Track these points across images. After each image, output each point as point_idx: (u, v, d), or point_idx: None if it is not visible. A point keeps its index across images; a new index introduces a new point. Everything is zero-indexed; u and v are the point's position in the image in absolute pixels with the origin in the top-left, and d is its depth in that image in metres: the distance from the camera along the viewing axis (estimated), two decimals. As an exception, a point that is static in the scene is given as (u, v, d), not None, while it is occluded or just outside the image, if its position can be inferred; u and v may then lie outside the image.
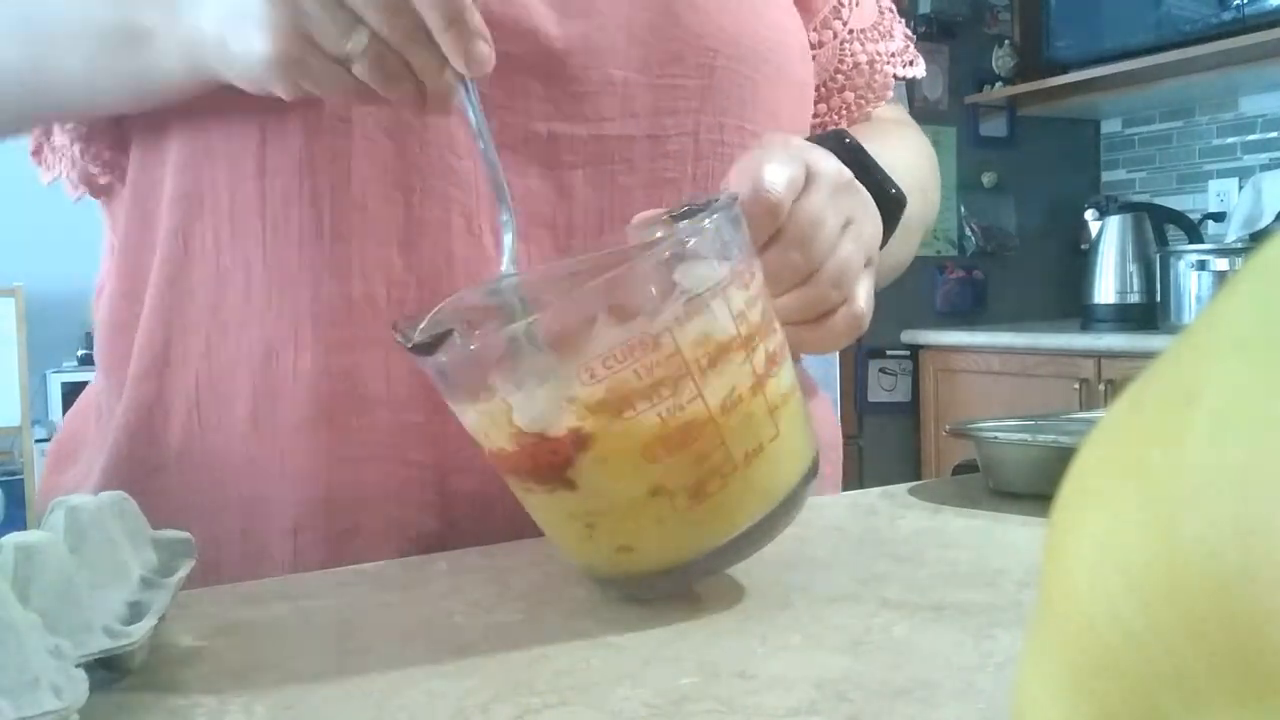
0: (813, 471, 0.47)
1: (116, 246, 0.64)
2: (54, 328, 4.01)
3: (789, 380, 0.46)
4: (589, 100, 0.59)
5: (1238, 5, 2.49)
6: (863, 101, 0.76)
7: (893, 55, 0.78)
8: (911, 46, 0.81)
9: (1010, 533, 0.57)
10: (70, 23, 0.55)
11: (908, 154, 0.72)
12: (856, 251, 0.55)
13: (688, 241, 0.42)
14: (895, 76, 0.78)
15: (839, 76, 0.76)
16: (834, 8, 0.75)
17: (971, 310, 3.06)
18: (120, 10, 0.54)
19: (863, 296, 0.55)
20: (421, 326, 0.44)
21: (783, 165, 0.51)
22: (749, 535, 0.45)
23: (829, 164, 0.54)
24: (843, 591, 0.47)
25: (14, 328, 3.34)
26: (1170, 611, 0.16)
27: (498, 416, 0.42)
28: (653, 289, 0.41)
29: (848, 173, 0.56)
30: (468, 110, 0.51)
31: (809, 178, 0.53)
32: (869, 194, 0.58)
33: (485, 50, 0.49)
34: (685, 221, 0.45)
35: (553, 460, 0.42)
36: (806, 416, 0.48)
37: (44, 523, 0.42)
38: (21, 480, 3.53)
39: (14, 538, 0.37)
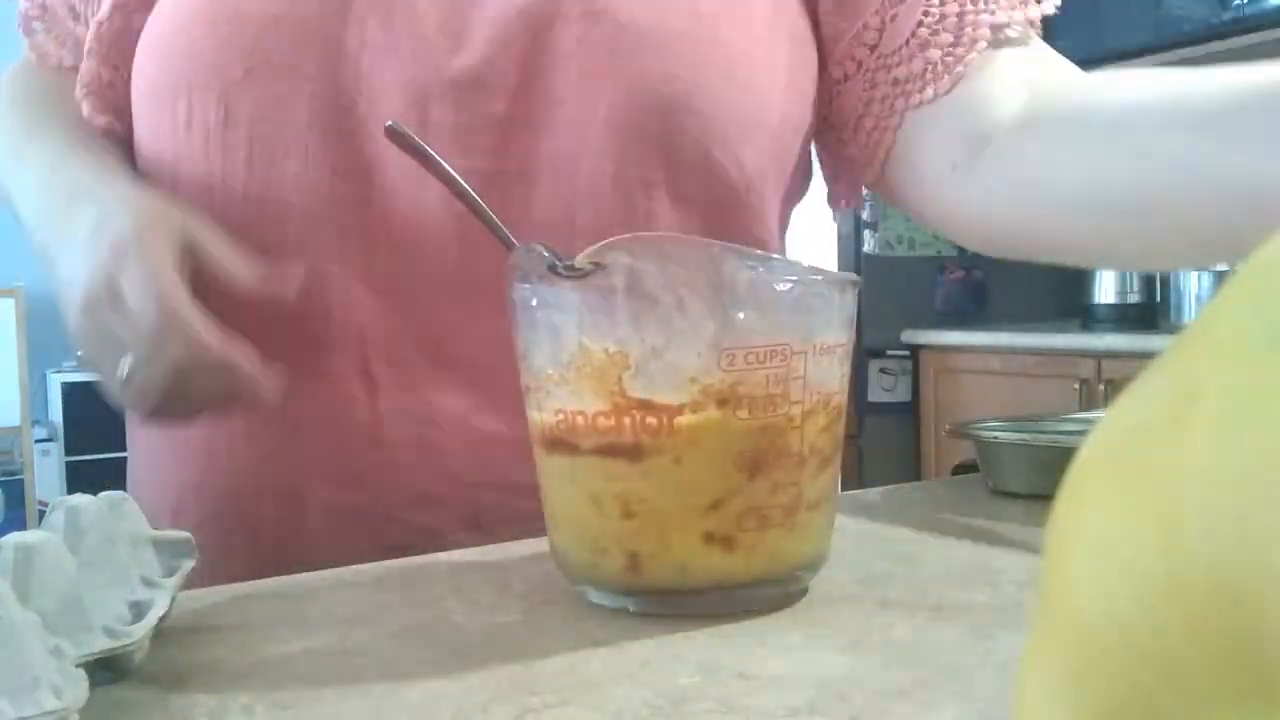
0: (822, 561, 0.48)
1: None
2: (54, 328, 3.99)
3: (839, 471, 0.48)
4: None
5: (1238, 5, 2.48)
6: (950, 58, 0.67)
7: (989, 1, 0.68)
8: None
9: (1010, 533, 0.57)
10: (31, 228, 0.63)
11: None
12: None
13: (848, 291, 0.45)
14: (998, 23, 0.68)
15: (910, 44, 0.67)
16: None
17: (971, 310, 3.06)
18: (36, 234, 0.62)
19: None
20: (583, 256, 0.43)
21: None
22: (768, 583, 0.45)
23: None
24: (843, 591, 0.47)
25: (14, 328, 3.34)
26: (1170, 611, 0.16)
27: (607, 372, 0.42)
28: (813, 311, 0.44)
29: None
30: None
31: None
32: None
33: (256, 383, 0.54)
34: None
35: (644, 430, 0.42)
36: (835, 512, 0.49)
37: (44, 523, 0.42)
38: (21, 480, 3.53)
39: (14, 538, 0.37)
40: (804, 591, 0.47)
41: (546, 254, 0.44)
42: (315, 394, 0.60)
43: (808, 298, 0.45)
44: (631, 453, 0.43)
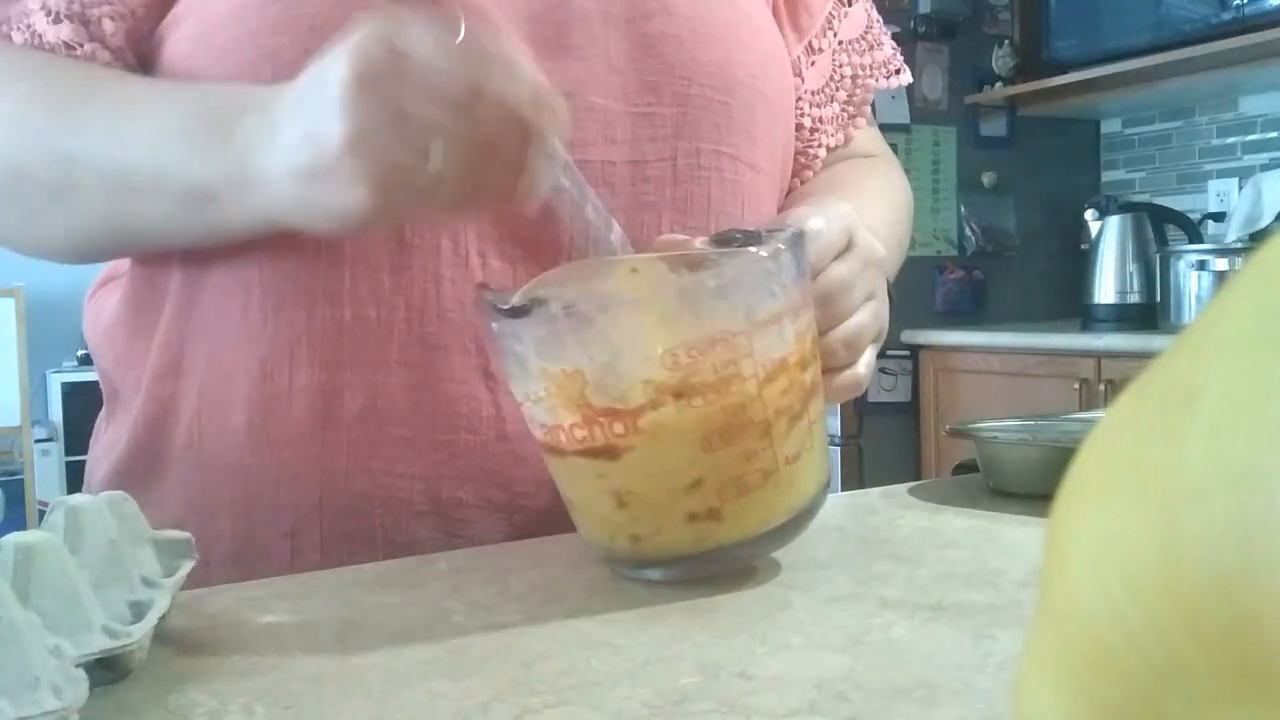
0: (827, 485, 0.51)
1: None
2: (54, 328, 4.01)
3: (823, 403, 0.51)
4: (572, 127, 0.60)
5: (1238, 5, 2.48)
6: (849, 111, 0.79)
7: (877, 66, 0.80)
8: (898, 55, 0.83)
9: (1010, 533, 0.57)
10: (148, 180, 0.56)
11: (889, 210, 0.74)
12: (871, 324, 0.59)
13: (780, 256, 0.46)
14: (875, 89, 0.80)
15: (830, 86, 0.78)
16: (827, 20, 0.77)
17: (971, 310, 3.06)
18: (190, 170, 0.54)
19: (865, 363, 0.60)
20: (520, 294, 0.45)
21: (829, 226, 0.56)
22: (769, 536, 0.48)
23: (868, 238, 0.59)
24: (843, 591, 0.47)
25: (14, 328, 3.34)
26: (1169, 611, 0.16)
27: (569, 388, 0.45)
28: (744, 292, 0.45)
29: (881, 251, 0.60)
30: (564, 183, 0.51)
31: (848, 245, 0.58)
32: None
33: (565, 110, 0.50)
34: (761, 245, 0.48)
35: (612, 435, 0.45)
36: (827, 437, 0.52)
37: (44, 523, 0.42)
38: (21, 480, 3.53)
39: (14, 538, 0.37)
40: (792, 543, 0.50)
41: (488, 296, 0.46)
42: (439, 397, 0.59)
43: (738, 280, 0.45)
44: (608, 453, 0.46)
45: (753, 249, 0.47)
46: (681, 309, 0.45)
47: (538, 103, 0.48)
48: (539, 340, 0.45)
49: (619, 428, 0.45)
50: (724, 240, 0.50)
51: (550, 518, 0.61)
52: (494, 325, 0.47)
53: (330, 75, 0.47)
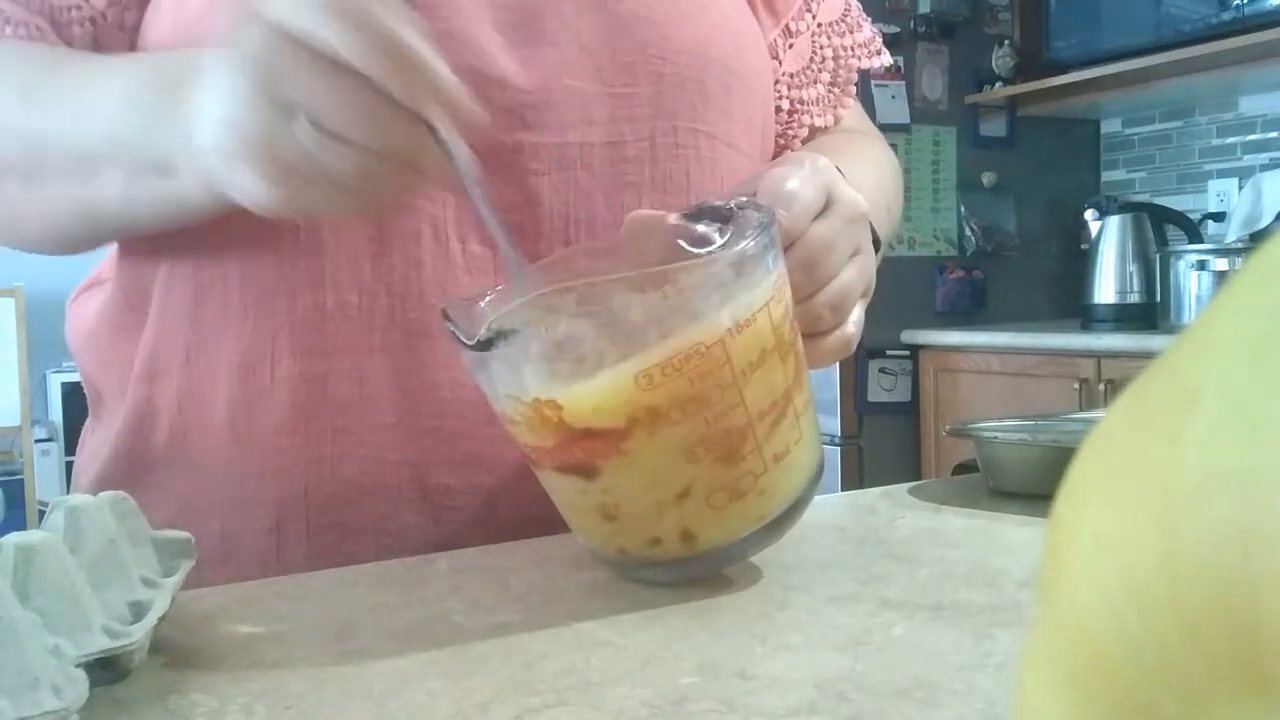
0: (820, 471, 0.50)
1: (120, 252, 0.66)
2: (54, 328, 3.99)
3: (809, 387, 0.49)
4: (550, 110, 0.61)
5: (1238, 5, 2.48)
6: (834, 92, 0.80)
7: (859, 46, 0.81)
8: (878, 38, 0.83)
9: (1010, 533, 0.57)
10: (108, 154, 0.55)
11: (875, 172, 0.74)
12: (858, 281, 0.58)
13: (746, 255, 0.45)
14: (858, 70, 0.82)
15: (812, 68, 0.79)
16: (804, 2, 0.78)
17: (971, 310, 3.06)
18: (146, 142, 0.54)
19: (854, 322, 0.58)
20: (485, 327, 0.44)
21: (805, 187, 0.54)
22: (761, 533, 0.48)
23: (849, 193, 0.57)
24: (843, 591, 0.47)
25: (14, 328, 3.34)
26: (1169, 612, 0.16)
27: (544, 413, 0.44)
28: (712, 301, 0.44)
29: (864, 205, 0.58)
30: (465, 181, 0.49)
31: (828, 203, 0.55)
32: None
33: (477, 110, 0.48)
34: (735, 238, 0.47)
35: (593, 455, 0.45)
36: (817, 420, 0.51)
37: (44, 523, 0.42)
38: (21, 480, 3.52)
39: (14, 538, 0.37)
40: (792, 543, 0.47)
41: (452, 328, 0.45)
42: (424, 383, 0.59)
43: (705, 290, 0.44)
44: (589, 472, 0.45)
45: (716, 254, 0.45)
46: (649, 328, 0.43)
47: (428, 93, 0.45)
48: (507, 371, 0.45)
49: (599, 448, 0.44)
50: (695, 215, 0.49)
51: (539, 503, 0.60)
52: (462, 354, 0.46)
53: (227, 74, 0.46)
